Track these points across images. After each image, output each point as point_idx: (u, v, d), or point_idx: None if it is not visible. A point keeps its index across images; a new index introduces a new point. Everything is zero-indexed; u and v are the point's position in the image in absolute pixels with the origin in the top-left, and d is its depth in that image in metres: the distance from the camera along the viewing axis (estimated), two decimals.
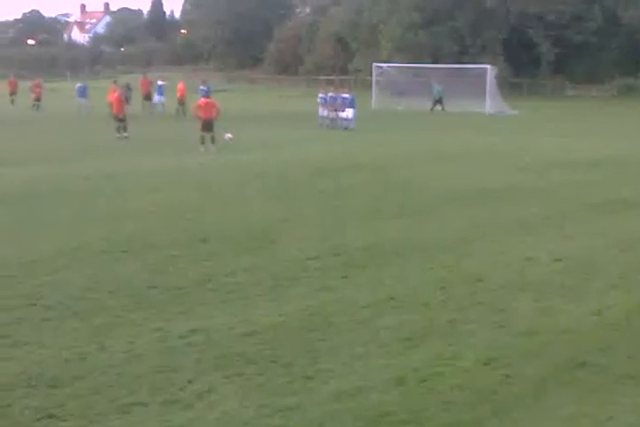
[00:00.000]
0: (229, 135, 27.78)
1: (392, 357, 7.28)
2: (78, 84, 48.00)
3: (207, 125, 25.49)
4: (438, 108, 49.35)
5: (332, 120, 36.30)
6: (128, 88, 45.26)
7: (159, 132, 33.07)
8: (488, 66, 51.88)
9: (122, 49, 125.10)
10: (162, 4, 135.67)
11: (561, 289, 9.42)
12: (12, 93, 50.18)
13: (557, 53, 62.95)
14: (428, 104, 49.48)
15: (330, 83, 55.98)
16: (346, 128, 35.00)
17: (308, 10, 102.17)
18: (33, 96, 47.55)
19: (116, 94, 31.59)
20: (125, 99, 40.32)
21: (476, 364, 7.11)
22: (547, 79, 63.75)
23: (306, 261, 10.69)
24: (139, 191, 16.98)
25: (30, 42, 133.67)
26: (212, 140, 25.40)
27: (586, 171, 20.13)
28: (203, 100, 27.15)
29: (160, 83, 44.76)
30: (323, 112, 37.12)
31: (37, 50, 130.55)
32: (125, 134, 29.57)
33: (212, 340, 7.71)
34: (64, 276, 10.00)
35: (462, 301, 8.95)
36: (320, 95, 37.81)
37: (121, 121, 29.93)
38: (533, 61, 64.14)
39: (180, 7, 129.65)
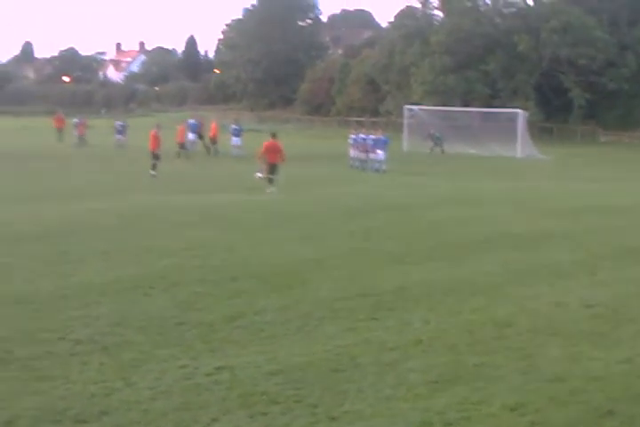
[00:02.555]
0: (260, 174, 27.93)
1: (418, 400, 7.23)
2: (118, 122, 48.61)
3: (272, 169, 25.59)
4: (438, 150, 49.67)
5: (363, 162, 36.40)
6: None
7: (192, 171, 33.35)
8: (519, 110, 51.98)
9: (156, 88, 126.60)
10: (196, 44, 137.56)
11: (591, 336, 9.33)
12: (60, 130, 50.56)
13: (589, 99, 62.94)
14: (458, 148, 49.57)
15: (361, 124, 56.29)
16: (377, 170, 35.05)
17: (340, 51, 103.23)
18: (76, 133, 48.14)
19: (152, 132, 31.90)
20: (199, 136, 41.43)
21: (502, 409, 7.04)
22: (578, 125, 63.66)
23: (334, 302, 10.68)
24: (170, 228, 17.09)
25: (65, 79, 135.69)
26: (270, 181, 25.47)
27: (618, 216, 20.01)
28: (267, 142, 26.92)
29: (191, 121, 44.92)
30: (354, 153, 37.28)
31: (73, 87, 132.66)
32: (153, 173, 29.80)
33: (237, 378, 7.70)
34: (93, 311, 10.06)
35: (490, 345, 8.89)
36: (351, 136, 38.00)
37: (156, 158, 30.23)
38: (565, 106, 64.14)
39: (214, 47, 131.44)
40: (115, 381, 7.60)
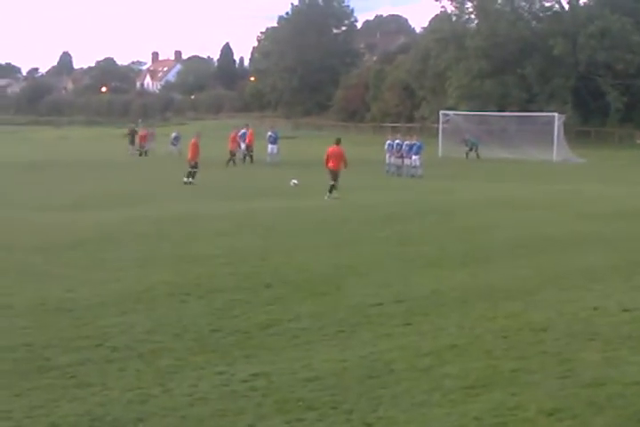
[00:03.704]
0: (295, 181, 28.06)
1: (453, 405, 7.20)
2: (174, 134, 49.28)
3: (333, 175, 25.66)
4: (473, 155, 49.52)
5: (398, 167, 36.40)
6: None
7: (229, 178, 33.50)
8: (555, 113, 51.65)
9: (192, 96, 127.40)
10: (232, 53, 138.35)
11: (629, 340, 9.23)
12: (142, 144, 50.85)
13: (626, 102, 62.39)
14: (494, 152, 49.36)
15: (396, 130, 56.23)
16: (412, 175, 35.03)
17: (374, 58, 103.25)
18: (140, 143, 49.97)
19: (193, 140, 32.07)
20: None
21: (539, 414, 6.99)
22: (615, 128, 63.11)
23: (369, 308, 10.68)
24: (206, 235, 17.19)
25: (103, 89, 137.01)
26: (331, 188, 25.51)
27: None
28: (331, 148, 26.90)
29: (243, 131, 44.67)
30: (390, 159, 37.28)
31: (110, 97, 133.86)
32: (190, 180, 29.95)
33: (273, 384, 7.73)
34: (130, 318, 10.14)
35: (526, 350, 8.83)
36: (387, 142, 38.00)
37: (194, 167, 30.35)
38: (601, 110, 63.66)
39: (249, 55, 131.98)
40: (151, 387, 7.65)
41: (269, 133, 43.80)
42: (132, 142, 52.18)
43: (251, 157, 42.45)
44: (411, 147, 35.92)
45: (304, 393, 7.50)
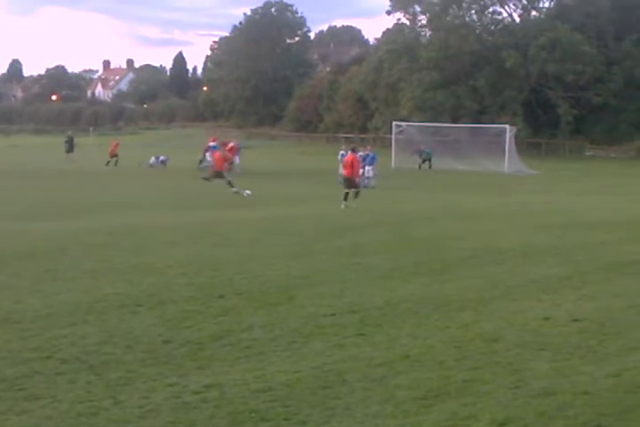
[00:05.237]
0: (248, 191, 28.02)
1: (407, 416, 7.21)
2: (160, 158, 49.60)
3: (348, 182, 25.68)
4: (426, 165, 50.03)
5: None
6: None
7: (188, 189, 33.37)
8: (507, 125, 52.27)
9: (144, 105, 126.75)
10: (184, 62, 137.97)
11: (579, 350, 9.33)
12: (114, 155, 50.23)
13: (576, 114, 63.41)
14: (447, 163, 49.79)
15: (349, 141, 56.45)
16: (365, 186, 35.14)
17: (328, 68, 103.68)
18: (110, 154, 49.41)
19: (218, 153, 32.35)
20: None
21: (491, 425, 7.02)
22: (565, 140, 64.03)
23: (322, 318, 10.66)
24: (159, 246, 17.06)
25: (53, 97, 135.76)
26: (355, 195, 25.61)
27: (605, 231, 20.08)
28: (347, 156, 27.00)
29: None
30: (342, 170, 37.32)
31: (61, 105, 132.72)
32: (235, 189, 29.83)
33: (226, 396, 7.67)
34: (80, 329, 10.01)
35: (478, 360, 8.88)
36: (341, 152, 38.13)
37: (220, 177, 30.25)
38: (552, 122, 64.62)
39: (202, 65, 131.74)
40: (102, 400, 7.55)
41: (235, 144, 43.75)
42: (71, 150, 51.89)
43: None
44: (364, 158, 36.07)
45: (257, 405, 7.45)
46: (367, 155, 36.23)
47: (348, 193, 25.53)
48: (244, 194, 28.69)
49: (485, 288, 12.81)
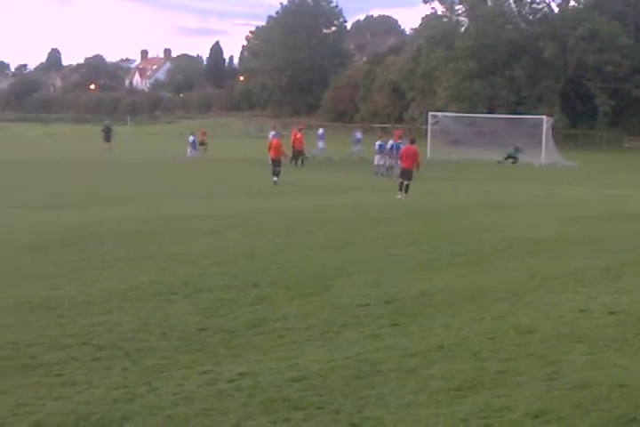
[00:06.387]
0: (275, 179, 28.29)
1: (440, 407, 7.19)
2: (191, 138, 49.21)
3: (404, 173, 25.63)
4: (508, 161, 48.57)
5: (388, 168, 36.23)
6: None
7: (223, 178, 33.47)
8: (544, 116, 51.76)
9: (181, 95, 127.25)
10: (221, 52, 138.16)
11: (615, 342, 9.25)
12: (203, 143, 50.28)
13: (614, 105, 62.68)
14: (483, 154, 49.21)
15: (385, 131, 56.26)
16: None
17: (364, 58, 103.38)
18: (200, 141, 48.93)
19: (274, 140, 32.46)
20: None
21: (525, 417, 6.99)
22: (603, 131, 63.35)
23: (356, 309, 10.66)
24: (194, 234, 17.15)
25: (92, 87, 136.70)
26: (406, 188, 25.45)
27: None
28: (406, 147, 26.95)
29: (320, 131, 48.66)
30: (380, 160, 37.13)
31: (99, 94, 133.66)
32: (275, 179, 29.80)
33: (260, 384, 7.71)
34: (116, 316, 10.10)
35: (513, 352, 8.83)
36: (377, 143, 37.86)
37: (276, 165, 30.25)
38: (590, 113, 63.92)
39: (239, 54, 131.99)
40: (137, 386, 7.62)
41: (272, 133, 43.88)
42: (108, 139, 51.99)
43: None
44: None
45: (290, 393, 7.48)
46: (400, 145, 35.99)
47: (403, 183, 25.41)
48: (273, 181, 29.03)
49: (521, 280, 12.74)
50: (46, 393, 7.43)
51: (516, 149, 48.19)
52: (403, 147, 26.85)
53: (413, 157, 25.94)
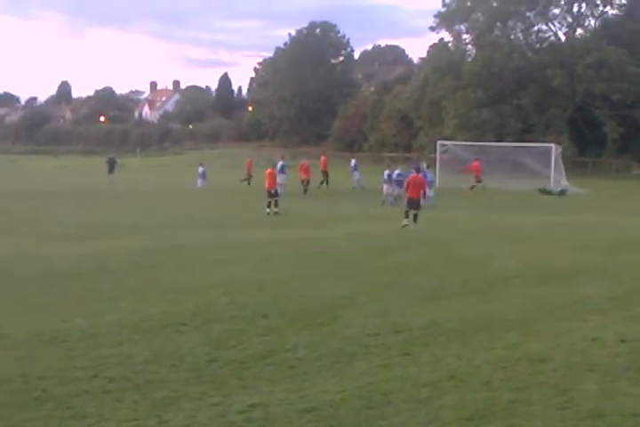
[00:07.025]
0: (268, 210, 28.38)
1: None
2: (200, 168, 48.79)
3: (411, 203, 25.67)
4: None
5: (396, 197, 36.27)
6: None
7: (230, 209, 33.53)
8: (552, 144, 51.80)
9: (190, 126, 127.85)
10: (230, 83, 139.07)
11: (627, 371, 9.18)
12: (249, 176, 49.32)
13: (623, 133, 62.69)
14: (492, 182, 49.21)
15: (393, 160, 56.39)
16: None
17: (372, 88, 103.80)
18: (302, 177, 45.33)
19: (268, 170, 32.55)
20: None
21: None
22: (612, 158, 63.34)
23: (366, 338, 10.63)
24: (202, 265, 17.17)
25: (101, 119, 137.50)
26: (415, 217, 25.43)
27: None
28: (412, 175, 27.07)
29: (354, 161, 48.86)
30: (388, 189, 37.29)
31: (109, 126, 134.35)
32: (275, 210, 29.87)
33: (270, 416, 7.67)
34: (126, 348, 10.10)
35: (525, 381, 8.78)
36: (386, 172, 38.04)
37: (271, 196, 30.37)
38: (598, 140, 63.92)
39: (247, 85, 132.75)
40: (148, 419, 7.60)
41: (280, 163, 44.23)
42: (112, 171, 51.93)
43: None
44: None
45: (301, 424, 7.45)
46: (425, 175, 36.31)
47: (410, 212, 25.43)
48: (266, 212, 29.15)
49: (530, 308, 12.69)
50: None
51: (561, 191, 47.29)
52: (410, 176, 26.82)
53: (420, 186, 26.00)
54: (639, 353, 9.99)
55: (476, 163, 47.95)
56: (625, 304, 13.13)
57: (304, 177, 42.11)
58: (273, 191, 30.65)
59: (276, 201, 30.23)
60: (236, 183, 48.00)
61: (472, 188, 47.11)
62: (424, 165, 44.08)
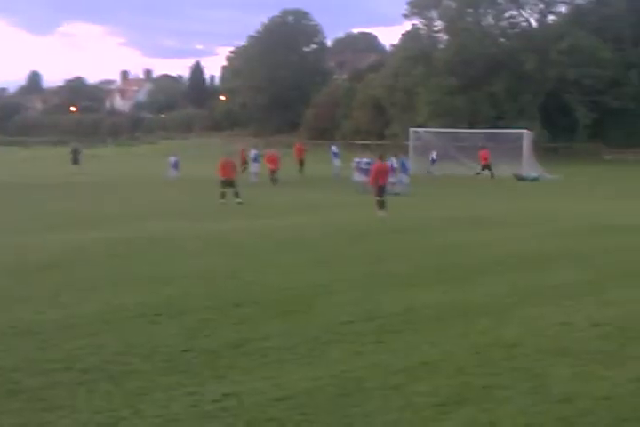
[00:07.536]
0: (239, 200, 28.29)
1: (426, 423, 7.19)
2: (172, 158, 47.90)
3: (381, 191, 25.66)
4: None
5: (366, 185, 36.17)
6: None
7: (203, 199, 33.41)
8: (524, 130, 52.02)
9: (162, 115, 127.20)
10: (202, 72, 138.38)
11: (598, 355, 9.28)
12: (302, 163, 48.36)
13: (594, 118, 63.08)
14: (464, 169, 49.56)
15: (367, 148, 56.38)
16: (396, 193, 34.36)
17: (344, 75, 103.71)
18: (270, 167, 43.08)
19: (223, 159, 32.00)
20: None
21: None
22: (583, 144, 63.72)
23: (340, 326, 10.65)
24: (177, 255, 17.12)
25: (72, 109, 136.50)
26: (382, 204, 25.55)
27: (626, 235, 19.98)
28: (376, 164, 27.03)
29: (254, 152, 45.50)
30: (360, 177, 37.21)
31: (80, 116, 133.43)
32: (238, 200, 29.57)
33: (244, 404, 7.68)
34: (100, 339, 10.05)
35: (498, 366, 8.85)
36: (355, 160, 38.19)
37: (226, 186, 29.96)
38: (570, 126, 64.29)
39: (219, 74, 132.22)
40: (121, 409, 7.58)
41: (253, 152, 44.14)
42: (76, 162, 51.14)
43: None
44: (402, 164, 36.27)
45: (275, 413, 7.46)
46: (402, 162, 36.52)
47: (381, 201, 25.43)
48: (236, 202, 29.00)
49: (505, 294, 12.77)
50: (30, 419, 7.38)
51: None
52: (374, 164, 26.79)
53: (386, 173, 26.11)
54: (610, 337, 10.11)
55: (484, 151, 48.25)
56: (599, 289, 13.26)
57: (272, 167, 41.87)
58: (228, 181, 30.11)
59: (237, 192, 29.72)
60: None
61: (478, 174, 48.34)
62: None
